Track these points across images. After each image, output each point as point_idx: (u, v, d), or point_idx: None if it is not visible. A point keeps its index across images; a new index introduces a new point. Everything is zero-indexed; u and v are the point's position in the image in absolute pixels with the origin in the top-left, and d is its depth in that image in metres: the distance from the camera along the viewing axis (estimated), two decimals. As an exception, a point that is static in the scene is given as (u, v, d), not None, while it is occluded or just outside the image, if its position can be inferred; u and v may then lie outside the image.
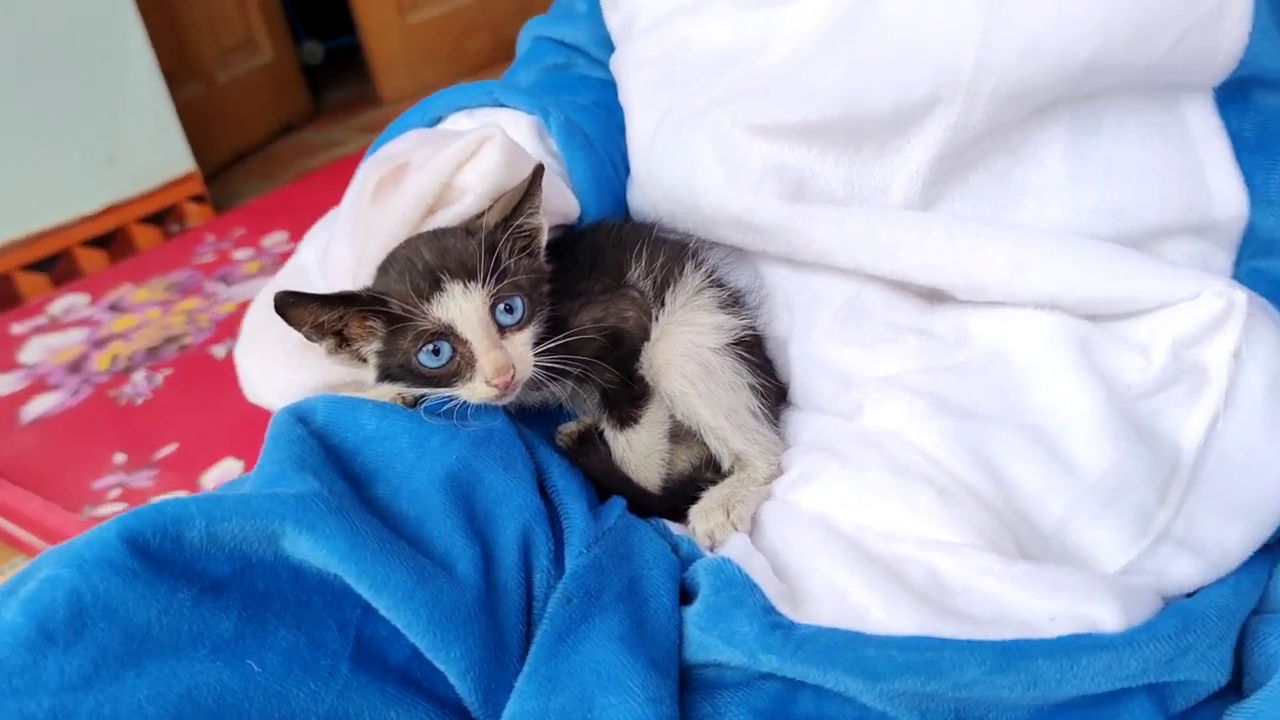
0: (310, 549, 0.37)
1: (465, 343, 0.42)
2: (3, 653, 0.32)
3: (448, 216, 0.45)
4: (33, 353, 1.31)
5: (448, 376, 0.42)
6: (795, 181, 0.46)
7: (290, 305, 0.42)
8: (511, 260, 0.43)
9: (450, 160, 0.45)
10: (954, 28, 0.43)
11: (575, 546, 0.42)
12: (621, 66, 0.57)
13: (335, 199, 1.34)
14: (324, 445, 0.42)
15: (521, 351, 0.42)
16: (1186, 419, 0.43)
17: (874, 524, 0.41)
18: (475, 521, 0.41)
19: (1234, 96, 0.45)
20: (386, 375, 0.43)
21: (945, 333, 0.46)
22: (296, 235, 1.48)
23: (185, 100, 1.74)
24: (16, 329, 1.40)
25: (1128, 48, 0.42)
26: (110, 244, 1.67)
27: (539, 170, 0.44)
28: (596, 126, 0.55)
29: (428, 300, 0.41)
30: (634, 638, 0.38)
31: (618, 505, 0.45)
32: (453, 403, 0.43)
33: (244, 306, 1.29)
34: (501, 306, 0.42)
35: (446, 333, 0.41)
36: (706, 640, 0.39)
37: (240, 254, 1.47)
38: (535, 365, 0.43)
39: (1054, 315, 0.45)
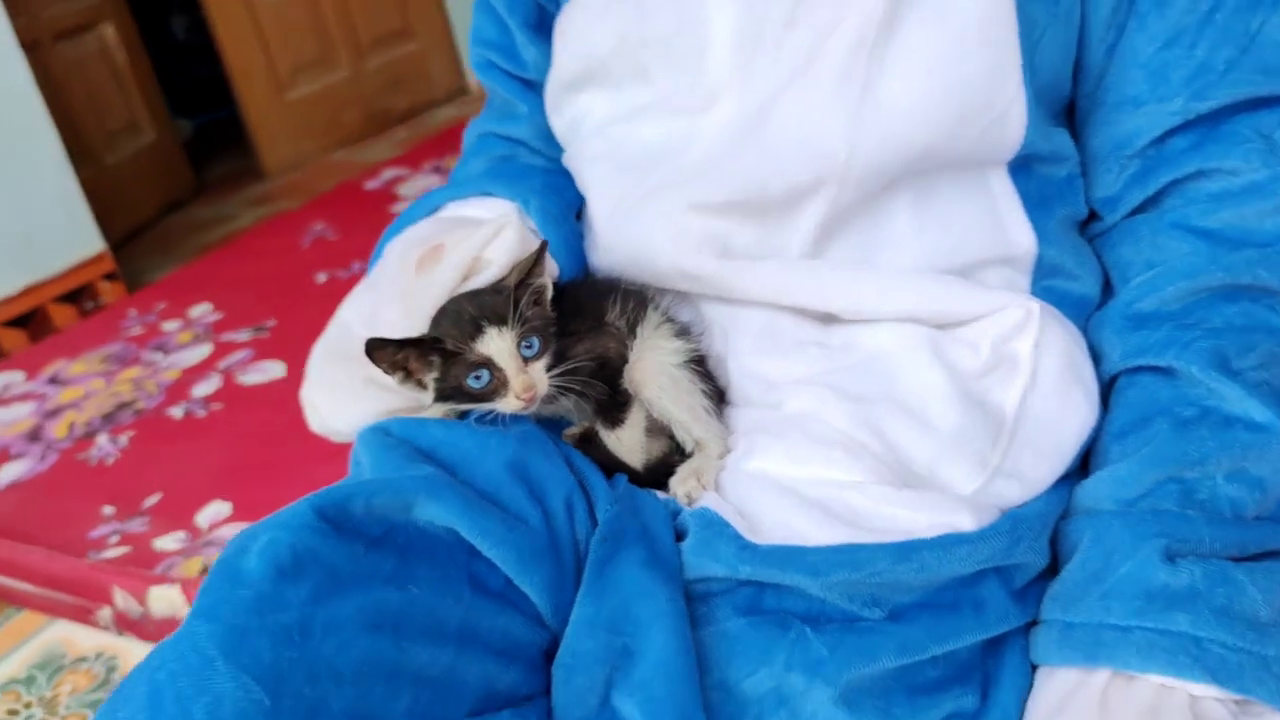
0: (435, 513, 0.52)
1: (500, 370, 0.57)
2: (257, 585, 0.46)
3: (477, 281, 0.61)
4: (-16, 428, 1.40)
5: (488, 394, 0.58)
6: (723, 244, 0.64)
7: (376, 348, 0.56)
8: (528, 310, 0.58)
9: (480, 241, 0.61)
10: (829, 130, 0.60)
11: (601, 505, 0.58)
12: (575, 160, 0.73)
13: (247, 270, 1.50)
14: (410, 448, 0.57)
15: (539, 375, 0.58)
16: (1006, 392, 0.61)
17: (802, 475, 0.58)
18: (533, 492, 0.56)
19: (1021, 168, 0.64)
20: (442, 396, 0.59)
21: (837, 344, 0.64)
22: (220, 305, 1.60)
23: (80, 182, 1.83)
24: (-41, 408, 1.48)
25: (949, 138, 0.61)
26: (29, 323, 1.75)
27: (544, 246, 0.60)
28: (557, 205, 0.72)
29: (473, 340, 0.57)
30: (651, 563, 0.54)
31: (621, 478, 0.61)
32: (491, 415, 0.59)
33: (187, 372, 1.40)
34: (524, 344, 0.58)
35: (487, 363, 0.57)
36: (699, 562, 0.55)
37: (169, 325, 1.58)
38: (550, 385, 0.59)
39: (912, 326, 0.63)
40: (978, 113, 0.61)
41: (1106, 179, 0.65)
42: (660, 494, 0.61)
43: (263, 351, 1.39)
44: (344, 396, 0.64)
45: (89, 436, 1.28)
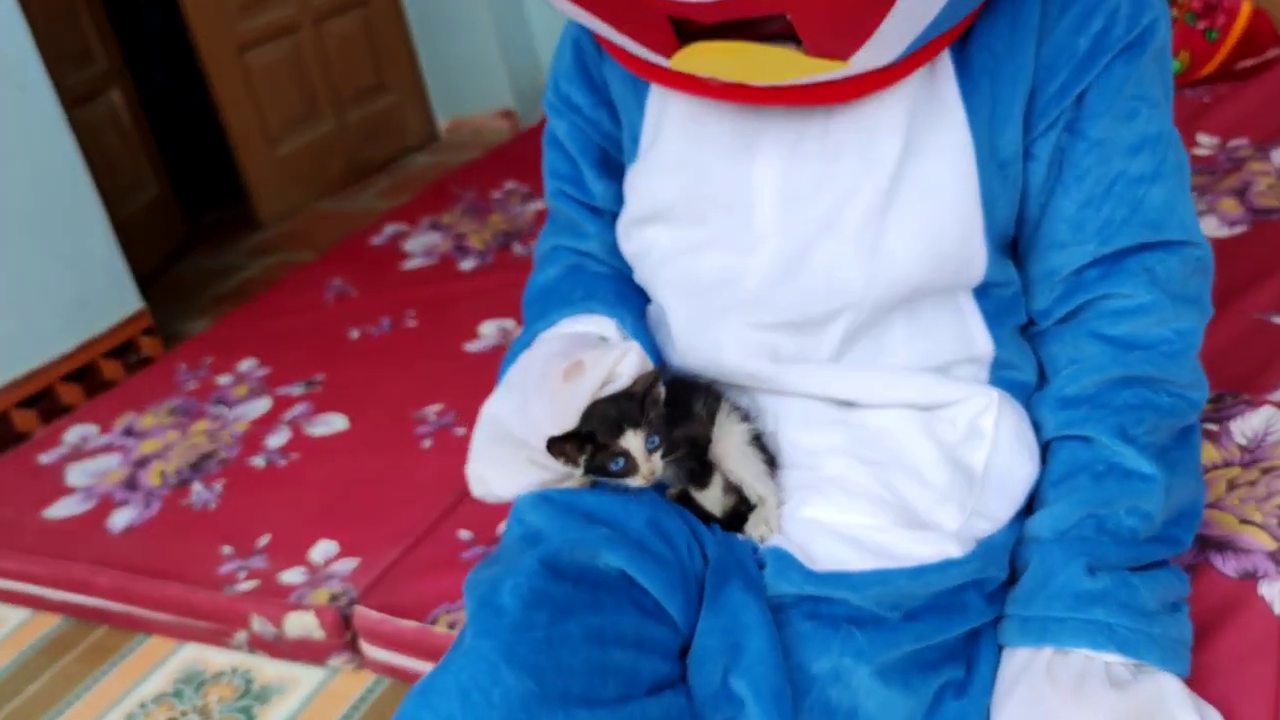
0: (611, 559, 0.75)
1: (633, 459, 0.81)
2: (513, 614, 0.69)
3: (608, 390, 0.84)
4: (78, 477, 1.59)
5: (622, 474, 0.81)
6: (773, 351, 0.88)
7: (554, 442, 0.80)
8: (651, 414, 0.82)
9: (614, 360, 0.84)
10: (850, 274, 0.85)
11: (709, 546, 0.82)
12: (650, 282, 0.97)
13: (281, 326, 1.71)
14: (577, 511, 0.81)
15: (658, 463, 0.82)
16: (976, 456, 0.86)
17: (840, 520, 0.82)
18: (666, 540, 0.80)
19: (981, 291, 0.89)
20: (589, 472, 0.82)
21: (855, 423, 0.89)
22: (265, 360, 1.81)
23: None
24: (44, 459, 1.66)
25: (933, 276, 0.86)
26: (84, 378, 1.94)
27: (663, 367, 0.85)
28: (642, 320, 0.96)
29: (616, 436, 0.80)
30: (747, 587, 0.78)
31: (715, 526, 0.86)
32: (622, 485, 0.83)
33: (255, 424, 1.61)
34: (649, 441, 0.82)
35: (625, 454, 0.81)
36: (776, 584, 0.79)
37: (222, 379, 1.78)
38: (667, 463, 0.83)
39: (909, 410, 0.88)
40: (953, 258, 0.87)
41: (1041, 297, 0.92)
42: (740, 535, 0.86)
43: (320, 405, 1.61)
44: (509, 471, 0.87)
45: (183, 485, 1.49)
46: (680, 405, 0.88)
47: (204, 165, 2.99)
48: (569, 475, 0.86)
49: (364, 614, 1.15)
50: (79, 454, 1.64)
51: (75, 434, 1.70)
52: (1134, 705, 0.76)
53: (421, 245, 2.14)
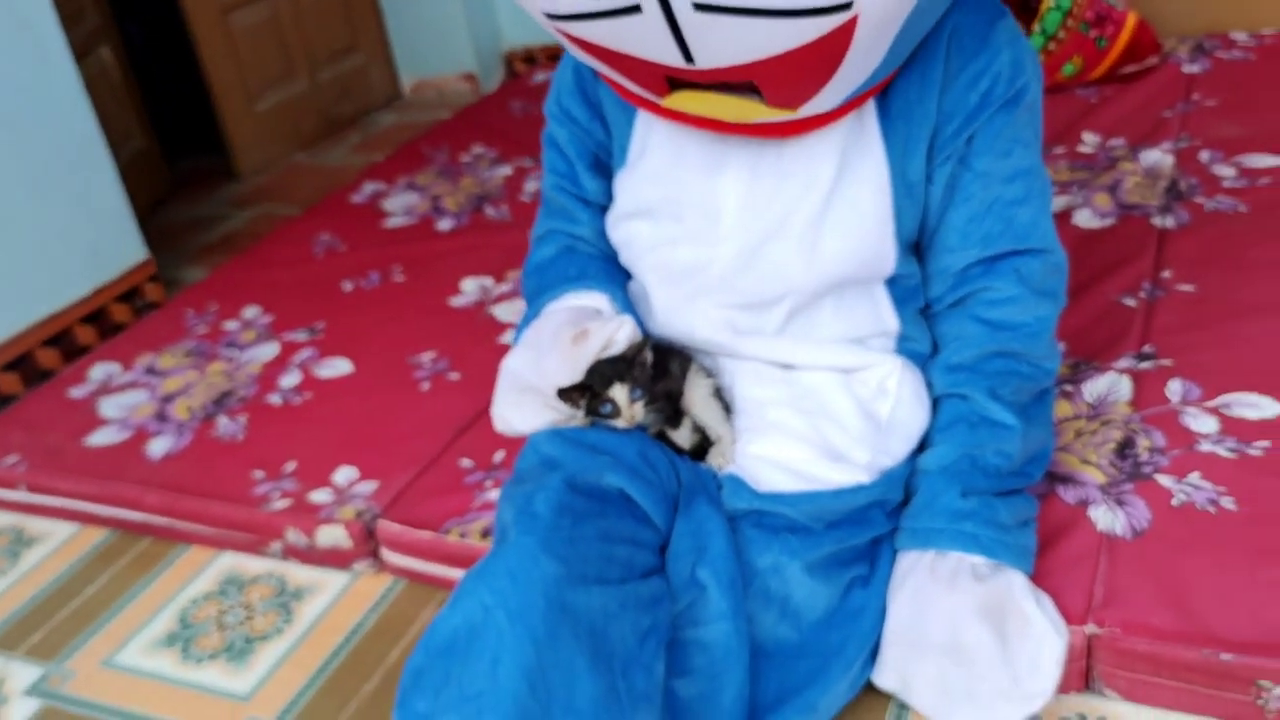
0: (613, 480, 0.99)
1: (619, 405, 1.06)
2: (545, 518, 0.92)
3: (607, 353, 1.09)
4: (111, 410, 1.79)
5: (611, 417, 1.06)
6: (733, 326, 1.12)
7: (564, 391, 1.05)
8: (636, 373, 1.07)
9: (613, 329, 1.08)
10: (794, 267, 1.09)
11: (681, 471, 1.08)
12: (635, 268, 1.20)
13: (277, 276, 1.95)
14: (583, 444, 1.06)
15: (639, 409, 1.07)
16: (883, 408, 1.12)
17: (780, 455, 1.08)
18: (651, 466, 1.05)
19: (891, 281, 1.14)
20: (588, 414, 1.07)
21: (794, 381, 1.14)
22: (268, 308, 2.02)
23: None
24: (75, 393, 1.86)
25: (856, 271, 1.11)
26: (97, 320, 2.13)
27: (648, 338, 1.10)
28: (627, 295, 1.21)
29: (607, 388, 1.05)
30: (710, 502, 1.04)
31: (685, 456, 1.12)
32: (611, 425, 1.08)
33: (267, 366, 1.82)
34: (633, 393, 1.07)
35: (613, 401, 1.06)
36: (731, 500, 1.05)
37: (229, 324, 1.98)
38: (642, 413, 1.08)
39: (834, 372, 1.14)
40: (871, 257, 1.13)
41: (936, 288, 1.18)
42: (703, 465, 1.12)
43: (325, 350, 1.82)
44: (526, 413, 1.12)
45: (210, 418, 1.71)
46: (659, 366, 1.13)
47: (181, 118, 3.13)
48: (573, 416, 1.11)
49: (386, 526, 1.39)
50: (107, 389, 1.84)
51: (100, 371, 1.90)
52: (991, 592, 1.04)
53: (401, 205, 2.35)
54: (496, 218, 2.22)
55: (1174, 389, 1.34)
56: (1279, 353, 1.37)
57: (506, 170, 2.43)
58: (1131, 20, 2.32)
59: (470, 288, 1.95)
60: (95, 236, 2.11)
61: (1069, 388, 1.38)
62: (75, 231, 2.07)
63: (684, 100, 1.04)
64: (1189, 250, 1.65)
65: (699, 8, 0.87)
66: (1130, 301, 1.54)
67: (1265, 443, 1.22)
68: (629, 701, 0.89)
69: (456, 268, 2.02)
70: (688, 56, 0.94)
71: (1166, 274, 1.59)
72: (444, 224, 2.23)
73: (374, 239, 2.22)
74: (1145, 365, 1.39)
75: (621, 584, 0.95)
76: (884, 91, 1.09)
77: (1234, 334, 1.42)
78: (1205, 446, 1.23)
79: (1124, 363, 1.40)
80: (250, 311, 2.01)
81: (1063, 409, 1.34)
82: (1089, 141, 2.08)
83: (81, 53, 2.51)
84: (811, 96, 0.99)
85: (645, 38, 0.93)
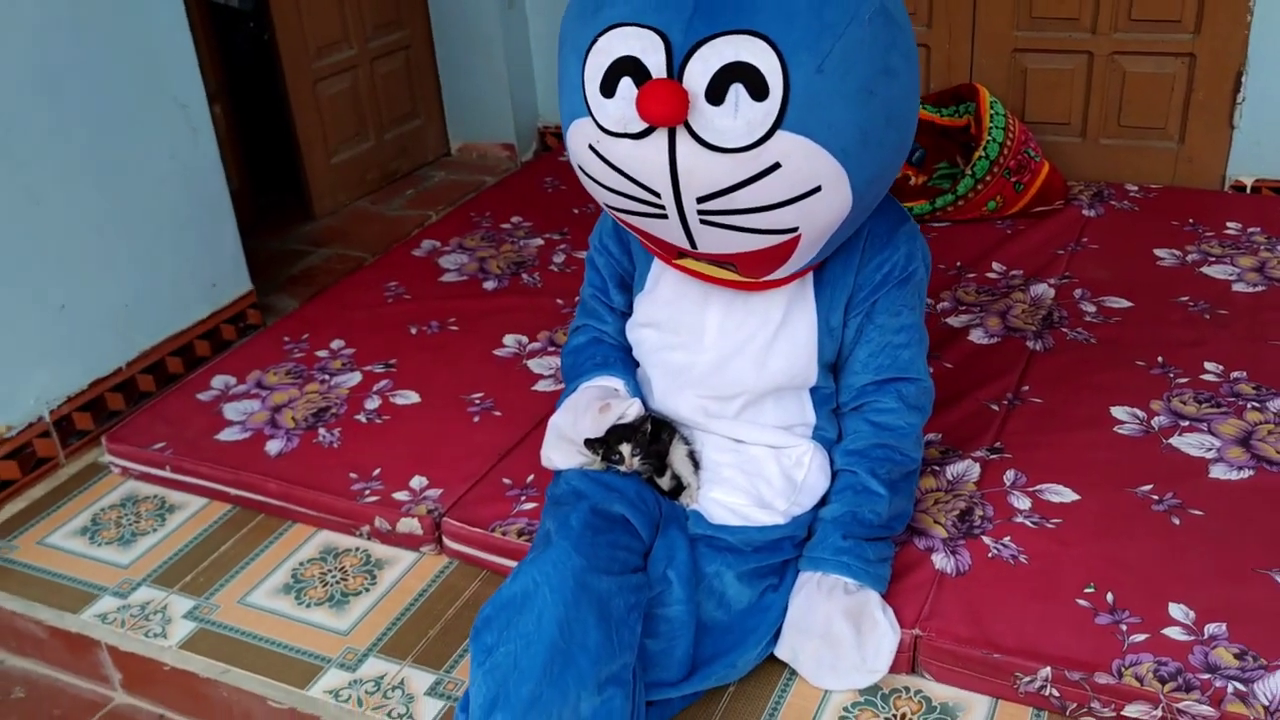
0: (620, 509, 1.50)
1: (624, 456, 1.59)
2: (577, 530, 1.43)
3: (620, 421, 1.62)
4: (233, 414, 2.31)
5: (619, 464, 1.60)
6: (705, 411, 1.64)
7: (589, 442, 1.58)
8: (637, 437, 1.60)
9: (626, 406, 1.59)
10: (748, 375, 1.60)
11: (663, 506, 1.60)
12: (644, 362, 1.72)
13: (356, 316, 2.58)
14: (600, 482, 1.59)
15: (637, 462, 1.60)
16: (799, 475, 1.63)
17: (728, 500, 1.59)
18: (644, 500, 1.57)
19: (814, 391, 1.63)
20: (603, 460, 1.60)
21: (742, 451, 1.67)
22: (350, 342, 2.54)
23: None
24: (202, 397, 2.38)
25: (789, 381, 1.63)
26: (211, 337, 2.65)
27: (649, 414, 1.63)
28: (636, 381, 1.74)
29: (618, 446, 1.59)
30: (680, 529, 1.55)
31: (665, 497, 1.66)
32: (618, 470, 1.61)
33: (353, 390, 2.34)
34: (634, 451, 1.59)
35: (621, 453, 1.59)
36: (693, 528, 1.57)
37: (321, 353, 2.49)
38: (638, 465, 1.62)
39: (768, 448, 1.64)
40: (800, 373, 1.66)
41: (843, 397, 1.69)
42: (677, 502, 1.66)
43: (398, 382, 2.34)
44: (564, 456, 1.65)
45: (311, 428, 2.22)
46: (654, 434, 1.67)
47: (266, 160, 3.64)
48: (593, 461, 1.64)
49: (449, 522, 1.91)
50: (227, 397, 2.36)
51: (219, 381, 2.41)
52: (854, 602, 1.57)
53: (454, 263, 2.88)
54: (530, 284, 2.74)
55: (1008, 476, 1.88)
56: (1086, 457, 1.91)
57: (539, 241, 2.96)
58: (1045, 170, 2.87)
59: (510, 342, 2.47)
60: (215, 272, 2.62)
61: (936, 468, 1.91)
62: (202, 269, 2.58)
63: (687, 263, 1.57)
64: (1047, 370, 2.19)
65: (703, 221, 1.41)
66: (995, 406, 2.08)
67: (1059, 520, 1.76)
68: (619, 647, 1.42)
69: (499, 325, 2.54)
70: (692, 244, 1.47)
71: (1026, 388, 2.13)
72: (489, 284, 2.76)
73: (433, 291, 2.74)
74: (993, 456, 1.93)
75: (620, 575, 1.48)
76: (819, 268, 1.63)
77: (1061, 439, 1.96)
78: (1018, 519, 1.77)
79: (979, 453, 1.94)
80: (336, 343, 2.52)
81: (928, 482, 1.88)
82: (996, 269, 2.63)
83: (201, 111, 3.02)
84: (769, 274, 1.54)
85: (667, 230, 1.47)
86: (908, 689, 1.58)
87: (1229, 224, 2.74)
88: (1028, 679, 1.51)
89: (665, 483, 1.66)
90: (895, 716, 1.53)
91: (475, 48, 3.65)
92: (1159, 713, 1.44)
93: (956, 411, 2.05)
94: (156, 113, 2.42)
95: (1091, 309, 2.40)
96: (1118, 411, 2.03)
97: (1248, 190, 2.95)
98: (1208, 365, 2.15)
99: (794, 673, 1.61)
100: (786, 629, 1.60)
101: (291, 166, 3.43)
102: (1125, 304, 2.41)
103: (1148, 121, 2.99)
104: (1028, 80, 3.07)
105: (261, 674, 1.72)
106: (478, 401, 2.25)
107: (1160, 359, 2.18)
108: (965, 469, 1.90)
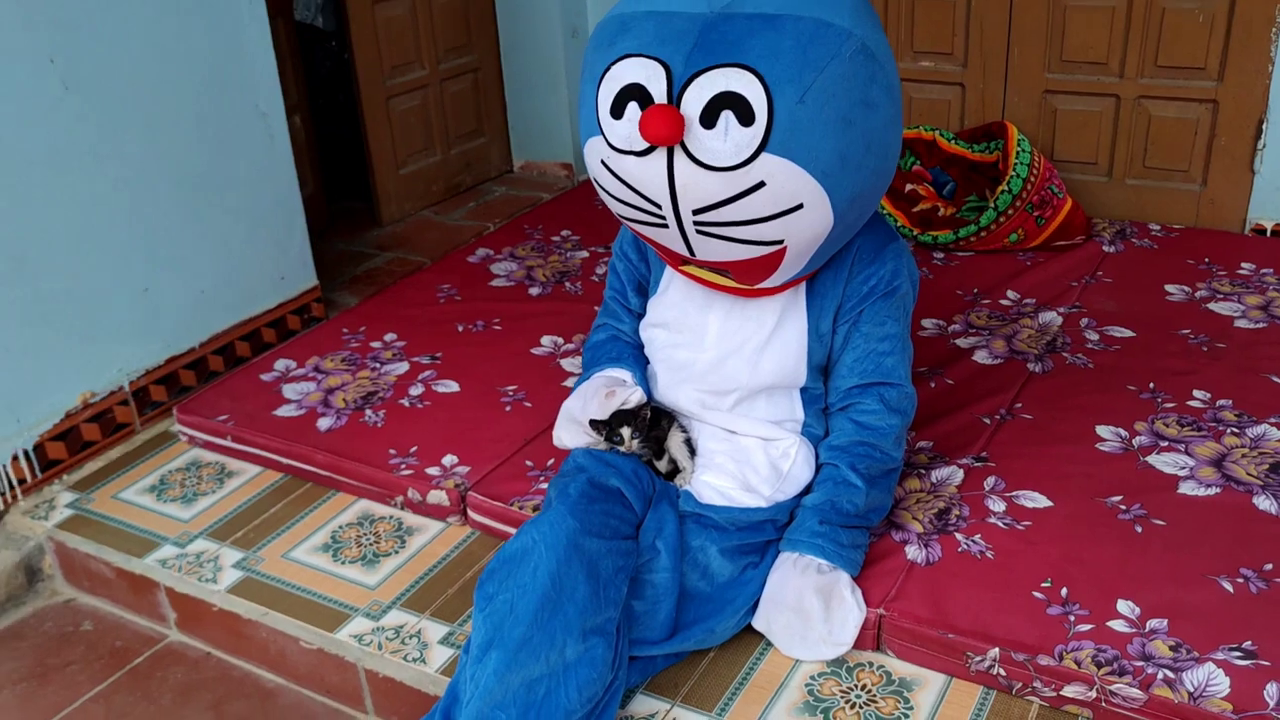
0: (617, 483, 1.67)
1: (625, 439, 1.76)
2: (575, 498, 1.60)
3: (624, 408, 1.80)
4: (290, 393, 2.53)
5: (620, 445, 1.77)
6: (702, 403, 1.79)
7: (594, 424, 1.75)
8: (636, 421, 1.77)
9: (629, 393, 1.76)
10: (742, 374, 1.77)
11: (657, 484, 1.76)
12: (653, 358, 1.89)
13: (410, 313, 2.80)
14: (602, 460, 1.77)
15: (636, 445, 1.77)
16: (785, 466, 1.79)
17: (718, 483, 1.75)
18: (639, 477, 1.73)
19: (803, 390, 1.79)
20: (606, 441, 1.77)
21: (734, 441, 1.83)
22: (401, 335, 2.75)
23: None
24: (265, 377, 2.61)
25: (780, 381, 1.81)
26: (277, 326, 2.88)
27: (648, 403, 1.80)
28: (645, 373, 1.92)
29: (619, 428, 1.76)
30: (670, 505, 1.72)
31: (661, 477, 1.83)
32: (619, 451, 1.79)
33: (400, 378, 2.55)
34: (633, 434, 1.76)
35: (622, 435, 1.76)
36: (684, 505, 1.74)
37: (374, 344, 2.72)
38: (637, 448, 1.79)
39: (759, 439, 1.79)
40: (790, 374, 1.81)
41: (830, 398, 1.85)
42: (672, 483, 1.83)
43: (441, 373, 2.55)
44: (573, 436, 1.83)
45: (359, 409, 2.44)
46: (654, 420, 1.84)
47: (340, 167, 3.90)
48: (598, 442, 1.82)
49: (474, 496, 2.10)
50: (287, 378, 2.58)
51: (281, 364, 2.64)
52: (825, 580, 1.72)
53: (504, 270, 3.08)
54: (572, 292, 2.94)
55: (989, 482, 2.01)
56: (1064, 469, 2.03)
57: (584, 254, 3.16)
58: (1067, 206, 2.99)
59: (547, 342, 2.66)
60: (284, 267, 2.86)
61: (923, 471, 2.06)
62: (273, 263, 2.82)
63: (690, 269, 1.75)
64: (1042, 390, 2.32)
65: (699, 231, 1.59)
66: (987, 420, 2.22)
67: (1028, 522, 1.90)
68: (604, 602, 1.59)
69: (539, 327, 2.73)
70: (690, 251, 1.65)
71: (1019, 405, 2.27)
72: (534, 290, 2.96)
73: (482, 294, 2.95)
74: (977, 464, 2.07)
75: (610, 540, 1.65)
76: (811, 279, 1.79)
77: (1043, 452, 2.09)
78: (992, 520, 1.91)
79: (965, 460, 2.08)
80: (389, 336, 2.74)
81: (913, 484, 2.02)
82: (1010, 297, 2.76)
83: (283, 120, 3.28)
84: (761, 282, 1.70)
85: (669, 238, 1.64)
86: (871, 664, 1.73)
87: (1243, 264, 2.84)
88: (978, 658, 1.64)
89: (663, 465, 1.83)
90: (856, 686, 1.68)
91: (540, 73, 3.88)
92: (1093, 694, 1.56)
93: (950, 423, 2.19)
94: (239, 120, 2.66)
95: (1095, 337, 2.52)
96: (1102, 430, 2.15)
97: (1268, 233, 3.03)
98: (1196, 393, 2.25)
99: (769, 644, 1.76)
100: (763, 602, 1.75)
101: (363, 175, 3.67)
102: (1128, 333, 2.52)
103: (1172, 164, 3.09)
104: (1057, 120, 3.19)
105: (296, 618, 1.92)
106: (511, 393, 2.44)
107: (1152, 385, 2.30)
108: (950, 474, 2.04)
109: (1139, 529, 1.86)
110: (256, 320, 2.80)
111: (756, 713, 1.64)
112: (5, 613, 2.17)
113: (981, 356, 2.46)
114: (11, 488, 2.28)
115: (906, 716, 1.61)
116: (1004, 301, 2.73)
